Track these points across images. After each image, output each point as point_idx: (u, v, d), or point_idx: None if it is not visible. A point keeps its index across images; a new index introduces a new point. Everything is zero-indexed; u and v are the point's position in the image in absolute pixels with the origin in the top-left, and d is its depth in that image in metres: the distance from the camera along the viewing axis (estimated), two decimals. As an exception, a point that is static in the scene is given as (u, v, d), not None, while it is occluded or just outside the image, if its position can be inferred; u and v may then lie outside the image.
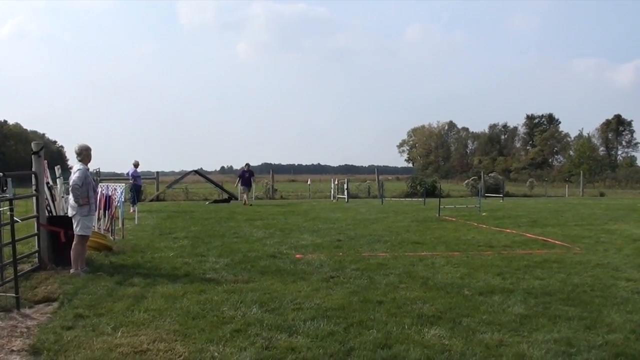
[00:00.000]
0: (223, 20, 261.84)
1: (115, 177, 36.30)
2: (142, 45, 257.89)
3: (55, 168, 13.28)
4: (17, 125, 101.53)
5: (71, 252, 10.17)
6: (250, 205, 30.62)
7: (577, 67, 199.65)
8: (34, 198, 10.82)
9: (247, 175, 31.68)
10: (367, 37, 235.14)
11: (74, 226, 10.26)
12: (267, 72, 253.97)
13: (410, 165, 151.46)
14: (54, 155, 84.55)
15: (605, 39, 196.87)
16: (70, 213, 10.41)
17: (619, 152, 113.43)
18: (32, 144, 11.02)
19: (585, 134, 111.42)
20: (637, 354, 5.88)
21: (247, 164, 32.22)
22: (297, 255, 12.17)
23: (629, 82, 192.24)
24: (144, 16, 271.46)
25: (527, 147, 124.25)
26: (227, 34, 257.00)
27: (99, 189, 13.96)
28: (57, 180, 12.89)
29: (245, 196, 32.01)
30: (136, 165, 26.50)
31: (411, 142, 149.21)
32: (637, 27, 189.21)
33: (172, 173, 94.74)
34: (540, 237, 15.61)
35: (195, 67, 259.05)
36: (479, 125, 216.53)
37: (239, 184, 32.65)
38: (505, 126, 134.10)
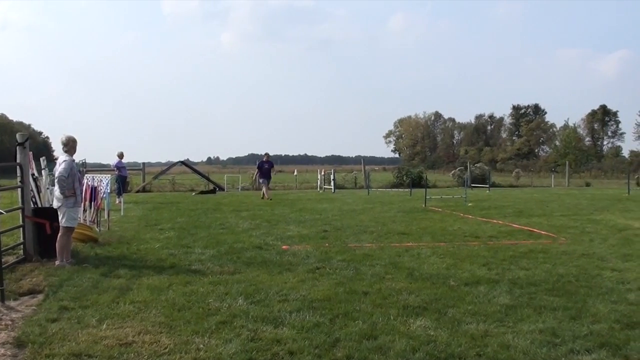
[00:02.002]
0: (207, 9, 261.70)
1: (100, 169, 36.18)
2: (126, 35, 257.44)
3: (41, 159, 13.22)
4: (2, 116, 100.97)
5: (57, 244, 10.13)
6: (270, 199, 27.26)
7: (562, 58, 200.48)
8: (19, 189, 10.79)
9: (266, 166, 28.92)
10: (351, 26, 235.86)
11: (60, 218, 10.21)
12: (252, 62, 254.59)
13: (397, 155, 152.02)
14: (40, 147, 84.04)
15: (588, 30, 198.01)
16: (55, 205, 10.36)
17: (605, 143, 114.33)
18: (17, 135, 10.96)
19: (571, 124, 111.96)
20: (622, 343, 5.91)
21: (267, 154, 29.52)
22: (284, 247, 12.17)
23: (613, 73, 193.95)
24: (128, 5, 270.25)
25: (513, 138, 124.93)
26: (211, 24, 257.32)
27: (85, 180, 13.90)
28: (43, 171, 12.84)
29: (264, 189, 28.65)
30: (121, 156, 26.36)
31: (397, 133, 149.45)
32: (620, 17, 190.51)
33: (159, 164, 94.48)
34: (526, 228, 15.67)
35: (180, 57, 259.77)
36: (465, 115, 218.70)
37: (257, 176, 29.94)
38: (491, 116, 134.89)
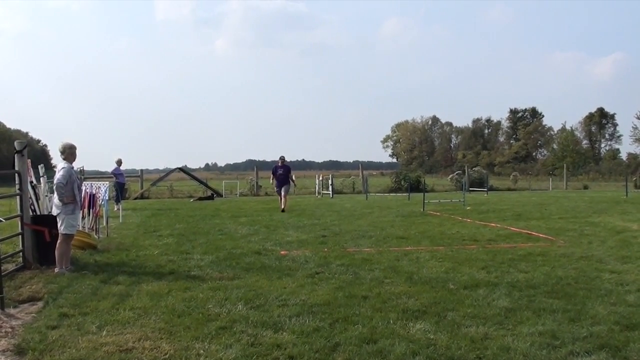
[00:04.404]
0: (200, 16, 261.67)
1: (99, 176, 36.19)
2: (120, 41, 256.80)
3: (39, 167, 13.23)
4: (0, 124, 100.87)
5: (56, 251, 10.12)
6: (283, 210, 23.69)
7: (557, 61, 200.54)
8: (18, 197, 10.78)
9: (281, 172, 24.69)
10: (345, 32, 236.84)
11: (59, 225, 10.20)
12: (247, 67, 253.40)
13: (395, 160, 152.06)
14: (38, 154, 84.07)
15: (582, 33, 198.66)
16: (54, 212, 10.36)
17: (602, 145, 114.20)
18: (15, 143, 10.96)
19: (568, 127, 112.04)
20: (621, 345, 5.91)
21: (282, 158, 25.08)
22: (282, 252, 12.17)
23: (609, 76, 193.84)
24: (121, 12, 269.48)
25: (511, 141, 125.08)
26: (205, 30, 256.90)
27: (83, 188, 13.90)
28: (41, 179, 12.84)
29: (281, 199, 24.53)
30: (119, 163, 26.36)
31: (395, 138, 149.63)
32: (612, 21, 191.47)
33: (157, 171, 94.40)
34: (524, 231, 15.68)
35: (175, 63, 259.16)
36: (462, 119, 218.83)
37: (274, 183, 25.51)
38: (488, 120, 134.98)
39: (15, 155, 10.81)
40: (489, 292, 8.24)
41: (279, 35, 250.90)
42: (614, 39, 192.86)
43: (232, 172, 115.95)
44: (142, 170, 43.20)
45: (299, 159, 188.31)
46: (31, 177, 11.52)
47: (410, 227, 16.94)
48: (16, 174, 10.73)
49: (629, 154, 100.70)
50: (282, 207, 23.91)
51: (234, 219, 19.96)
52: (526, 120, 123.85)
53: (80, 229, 12.88)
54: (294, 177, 25.87)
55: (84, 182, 15.36)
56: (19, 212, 10.76)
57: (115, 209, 22.69)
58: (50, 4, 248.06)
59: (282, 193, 24.42)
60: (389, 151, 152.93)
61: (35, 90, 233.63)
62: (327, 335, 6.26)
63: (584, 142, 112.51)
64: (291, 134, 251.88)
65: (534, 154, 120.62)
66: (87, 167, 35.07)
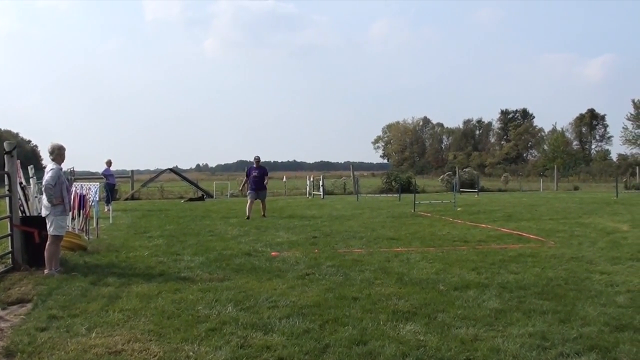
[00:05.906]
0: (189, 16, 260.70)
1: (89, 176, 36.08)
2: (109, 42, 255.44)
3: (29, 168, 13.18)
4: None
5: (45, 253, 10.07)
6: (264, 216, 21.22)
7: (548, 63, 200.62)
8: (7, 198, 10.74)
9: (255, 173, 21.64)
10: (335, 33, 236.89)
11: (48, 226, 10.15)
12: (237, 68, 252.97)
13: (386, 161, 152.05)
14: (28, 155, 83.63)
15: (572, 35, 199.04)
16: (43, 213, 10.31)
17: (593, 146, 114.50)
18: (5, 144, 10.91)
19: (559, 128, 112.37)
20: (611, 346, 5.92)
21: (257, 158, 21.74)
22: (273, 253, 12.15)
23: (600, 77, 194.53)
24: (110, 12, 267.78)
25: (502, 142, 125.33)
26: (195, 31, 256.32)
27: (73, 189, 13.85)
28: (31, 180, 12.80)
29: (249, 204, 21.18)
30: (109, 164, 26.28)
31: (386, 138, 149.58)
32: (602, 22, 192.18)
33: (147, 171, 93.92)
34: (515, 232, 15.71)
35: (164, 63, 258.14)
36: (453, 120, 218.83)
37: (247, 187, 22.39)
38: (479, 121, 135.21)
39: (5, 156, 10.78)
40: (479, 294, 8.24)
41: (269, 35, 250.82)
42: (604, 40, 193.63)
43: (223, 172, 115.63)
44: (132, 171, 43.06)
45: (290, 160, 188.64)
46: (21, 178, 11.48)
47: (401, 228, 16.95)
48: (5, 175, 10.69)
49: (619, 155, 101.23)
50: (263, 213, 21.38)
51: (224, 220, 19.92)
52: (517, 122, 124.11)
53: (70, 230, 12.84)
54: (267, 182, 22.40)
55: (74, 183, 15.31)
56: (8, 213, 10.72)
57: (106, 210, 22.64)
58: (39, 4, 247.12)
59: (259, 198, 21.59)
60: (380, 152, 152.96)
61: (25, 91, 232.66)
62: (317, 337, 6.25)
63: (575, 143, 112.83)
64: (282, 135, 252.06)
65: (524, 155, 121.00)
66: (78, 168, 34.85)
